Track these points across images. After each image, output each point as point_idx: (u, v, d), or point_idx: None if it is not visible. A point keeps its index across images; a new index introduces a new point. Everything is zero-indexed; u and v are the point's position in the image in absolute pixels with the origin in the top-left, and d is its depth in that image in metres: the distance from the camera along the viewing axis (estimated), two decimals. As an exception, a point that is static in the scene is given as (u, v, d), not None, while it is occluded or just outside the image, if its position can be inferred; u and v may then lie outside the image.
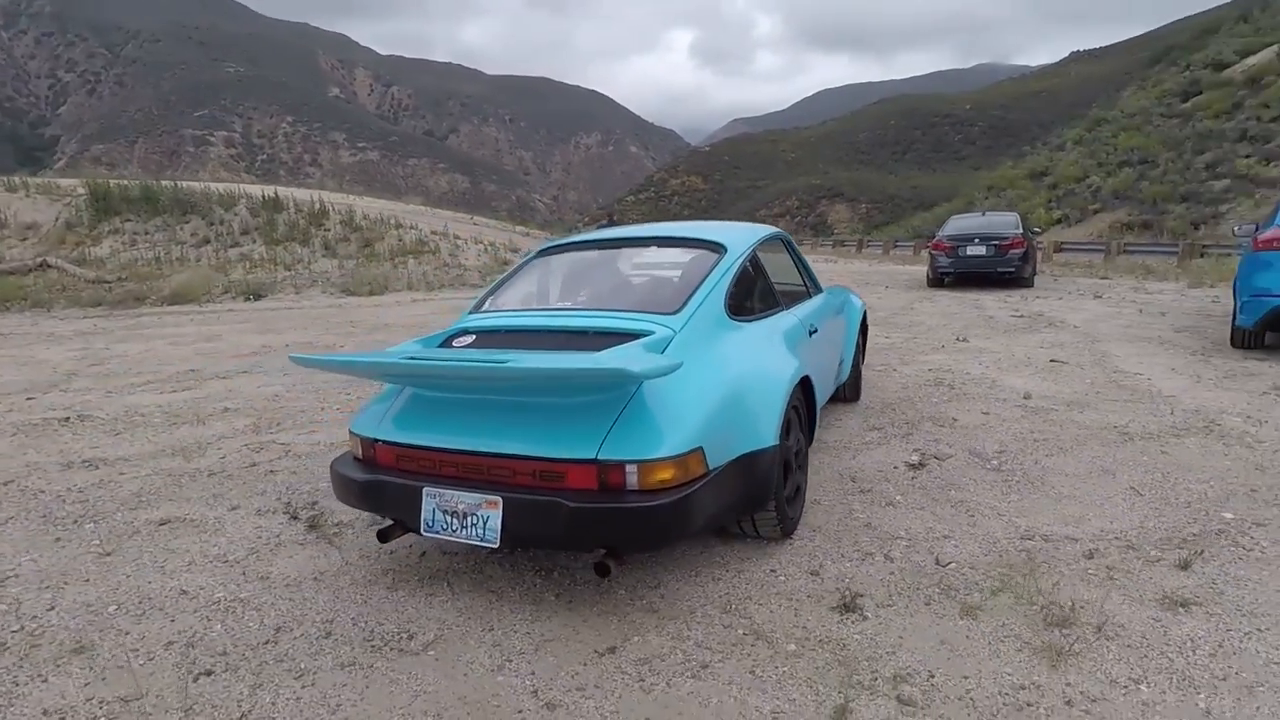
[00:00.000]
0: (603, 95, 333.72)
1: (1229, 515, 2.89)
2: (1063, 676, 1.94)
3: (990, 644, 2.10)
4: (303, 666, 2.14)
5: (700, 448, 2.21)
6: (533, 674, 2.06)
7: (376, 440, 2.50)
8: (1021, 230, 12.41)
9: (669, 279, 3.06)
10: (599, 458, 2.15)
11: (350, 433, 2.64)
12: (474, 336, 2.80)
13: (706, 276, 2.89)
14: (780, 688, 1.95)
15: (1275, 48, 32.58)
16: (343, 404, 5.28)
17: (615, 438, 2.18)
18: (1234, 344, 6.17)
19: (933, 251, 12.80)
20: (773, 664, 2.05)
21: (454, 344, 2.81)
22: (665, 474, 2.14)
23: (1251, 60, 33.01)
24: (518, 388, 2.35)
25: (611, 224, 14.53)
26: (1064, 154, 37.78)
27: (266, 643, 2.27)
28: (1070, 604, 2.25)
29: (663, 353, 2.45)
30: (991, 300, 10.68)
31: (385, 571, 2.73)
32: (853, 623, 2.24)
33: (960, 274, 12.33)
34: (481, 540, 2.23)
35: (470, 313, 3.07)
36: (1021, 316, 8.87)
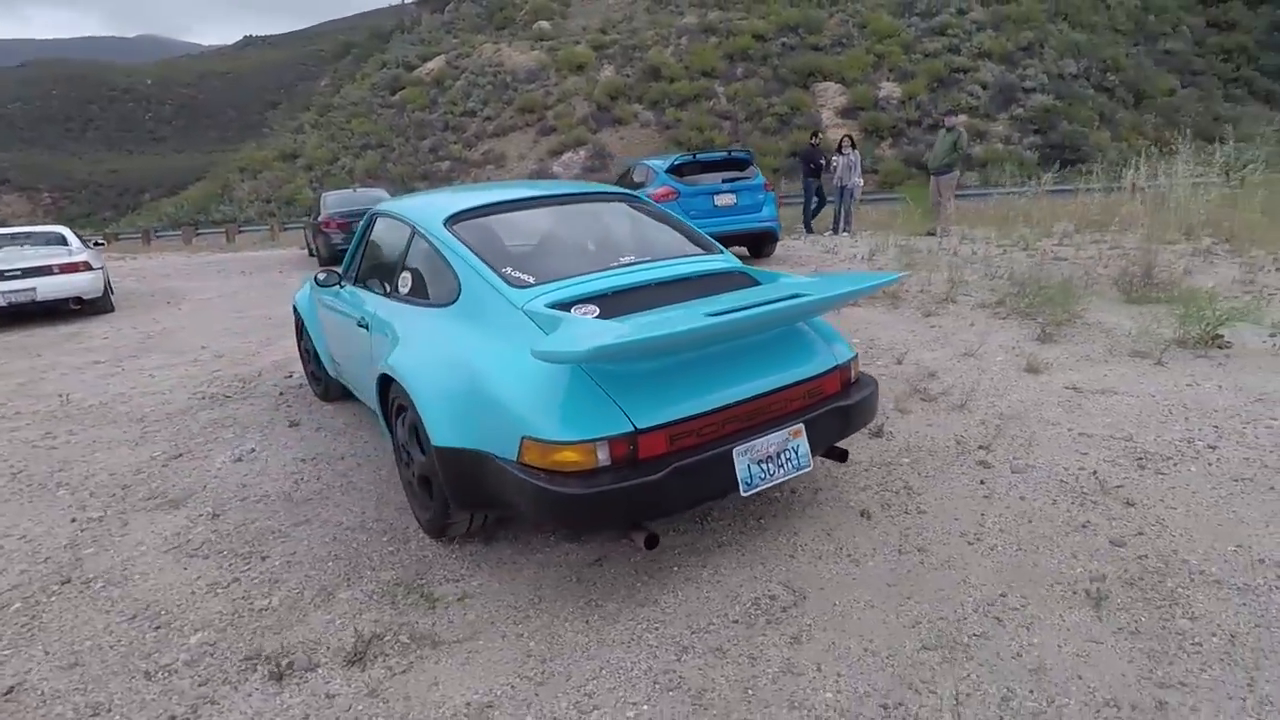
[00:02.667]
0: None
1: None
2: (984, 427, 3.53)
3: (951, 415, 3.52)
4: (756, 665, 1.91)
5: None
6: (893, 568, 2.41)
7: (638, 431, 2.08)
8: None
9: (659, 226, 3.14)
10: (839, 363, 2.54)
11: (572, 443, 2.03)
12: (594, 305, 2.41)
13: (685, 221, 3.20)
14: (945, 476, 2.92)
15: (443, 57, 41.61)
16: None
17: (833, 346, 2.59)
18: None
19: (324, 229, 12.66)
20: (921, 469, 2.97)
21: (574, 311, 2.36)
22: (858, 366, 2.70)
23: (431, 65, 41.29)
24: (768, 326, 2.37)
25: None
26: (306, 137, 39.66)
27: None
28: (956, 390, 3.86)
29: None
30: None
31: (586, 605, 2.26)
32: (896, 435, 3.30)
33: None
34: (798, 469, 2.32)
35: (518, 289, 2.47)
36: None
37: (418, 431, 2.54)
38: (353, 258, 3.66)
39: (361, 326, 3.15)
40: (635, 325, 2.13)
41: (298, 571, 2.56)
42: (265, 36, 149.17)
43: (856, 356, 2.65)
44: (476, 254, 2.65)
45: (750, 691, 1.84)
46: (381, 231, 3.42)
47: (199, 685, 2.03)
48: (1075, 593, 2.14)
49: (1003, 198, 15.59)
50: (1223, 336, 4.27)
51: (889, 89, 30.37)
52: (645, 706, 1.81)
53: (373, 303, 3.14)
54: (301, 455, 3.62)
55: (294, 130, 42.37)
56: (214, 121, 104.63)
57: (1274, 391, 3.52)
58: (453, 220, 2.86)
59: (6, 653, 2.23)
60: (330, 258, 12.66)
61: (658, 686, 1.88)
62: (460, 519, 2.53)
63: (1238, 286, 5.69)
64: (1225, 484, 2.69)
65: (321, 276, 3.60)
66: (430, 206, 3.05)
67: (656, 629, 2.11)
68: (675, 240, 3.03)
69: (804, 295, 2.28)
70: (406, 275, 2.97)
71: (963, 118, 28.51)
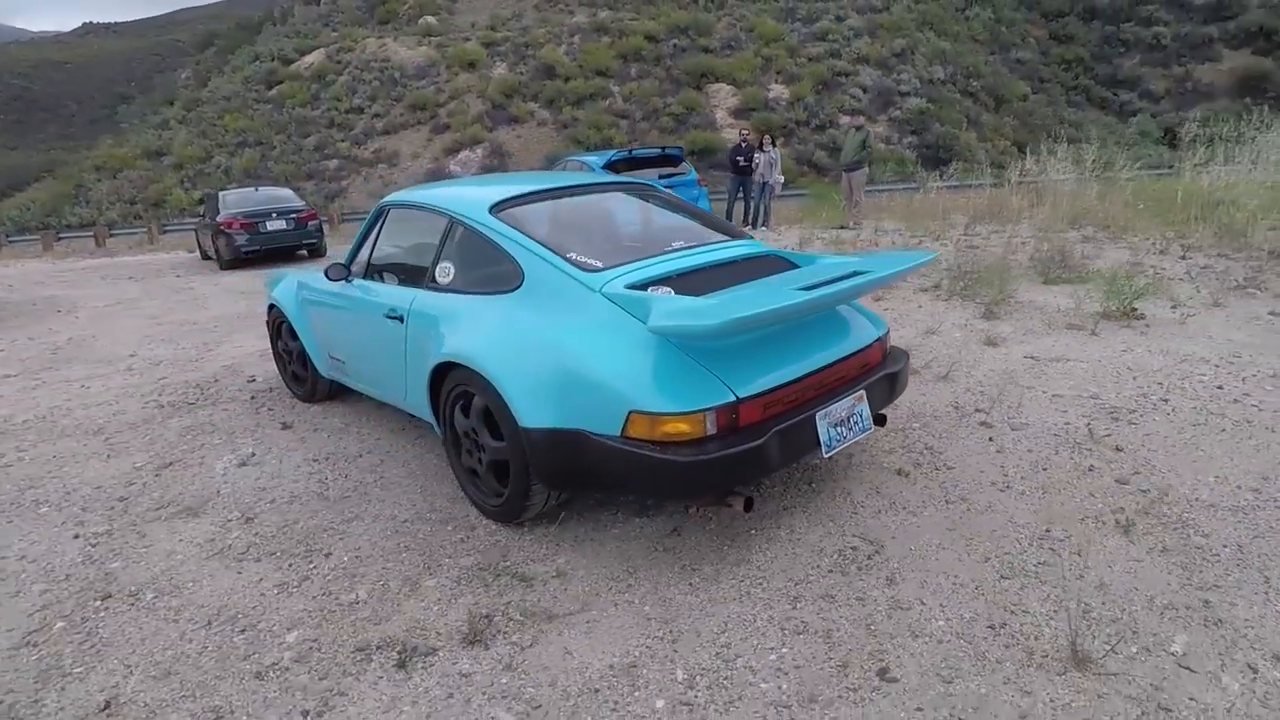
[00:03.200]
0: None
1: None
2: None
3: (939, 385, 3.86)
4: (866, 605, 2.11)
5: None
6: (946, 515, 2.67)
7: (740, 400, 2.21)
8: (306, 203, 12.92)
9: (685, 213, 3.26)
10: (879, 336, 2.78)
11: (683, 414, 2.14)
12: (668, 286, 2.51)
13: (698, 207, 3.36)
14: (956, 437, 3.23)
15: (323, 50, 39.57)
16: None
17: (871, 320, 2.82)
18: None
19: (226, 230, 11.87)
20: (933, 431, 3.28)
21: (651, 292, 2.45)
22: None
23: (310, 59, 39.15)
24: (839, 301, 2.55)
25: None
26: (172, 133, 36.61)
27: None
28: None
29: None
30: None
31: (683, 570, 2.38)
32: (899, 404, 3.60)
33: (268, 250, 11.99)
34: (863, 431, 2.53)
35: (590, 273, 2.53)
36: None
37: (490, 417, 2.56)
38: (359, 251, 3.56)
39: (392, 319, 3.10)
40: (743, 300, 2.26)
41: (372, 565, 2.52)
42: (109, 24, 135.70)
43: (888, 330, 2.90)
44: (536, 240, 2.69)
45: (871, 627, 2.03)
46: (403, 223, 3.37)
47: (319, 680, 1.99)
48: (1104, 523, 2.47)
49: (896, 193, 16.78)
50: (1137, 310, 4.89)
51: (778, 90, 31.73)
52: (784, 650, 1.96)
53: (404, 294, 3.09)
54: (312, 456, 3.49)
55: (157, 126, 38.98)
56: (52, 116, 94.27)
57: (1193, 353, 4.10)
58: (496, 209, 2.88)
59: (78, 670, 2.09)
60: (233, 260, 11.90)
61: (785, 631, 2.03)
62: (537, 502, 2.57)
63: (1130, 267, 6.49)
64: (1186, 429, 3.15)
65: (333, 271, 3.48)
66: (466, 196, 3.04)
67: (760, 584, 2.26)
68: (707, 227, 3.18)
69: (868, 272, 2.49)
70: (448, 265, 2.96)
71: (847, 119, 30.43)
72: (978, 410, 3.48)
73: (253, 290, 9.16)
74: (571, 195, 3.19)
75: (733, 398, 2.21)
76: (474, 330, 2.65)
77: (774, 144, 11.80)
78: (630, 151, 9.39)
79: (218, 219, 12.10)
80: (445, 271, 2.97)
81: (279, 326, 4.33)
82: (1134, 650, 1.88)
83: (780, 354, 2.42)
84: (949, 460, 3.00)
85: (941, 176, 13.90)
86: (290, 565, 2.56)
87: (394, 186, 31.36)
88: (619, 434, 2.22)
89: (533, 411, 2.37)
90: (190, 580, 2.51)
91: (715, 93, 32.32)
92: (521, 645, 2.07)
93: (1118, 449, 3.00)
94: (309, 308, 3.93)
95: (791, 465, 2.82)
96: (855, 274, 2.48)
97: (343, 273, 3.49)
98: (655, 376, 2.23)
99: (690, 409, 2.16)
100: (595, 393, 2.26)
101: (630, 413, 2.19)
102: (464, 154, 32.19)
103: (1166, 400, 3.46)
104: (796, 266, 2.89)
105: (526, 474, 2.48)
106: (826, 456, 2.41)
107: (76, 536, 2.89)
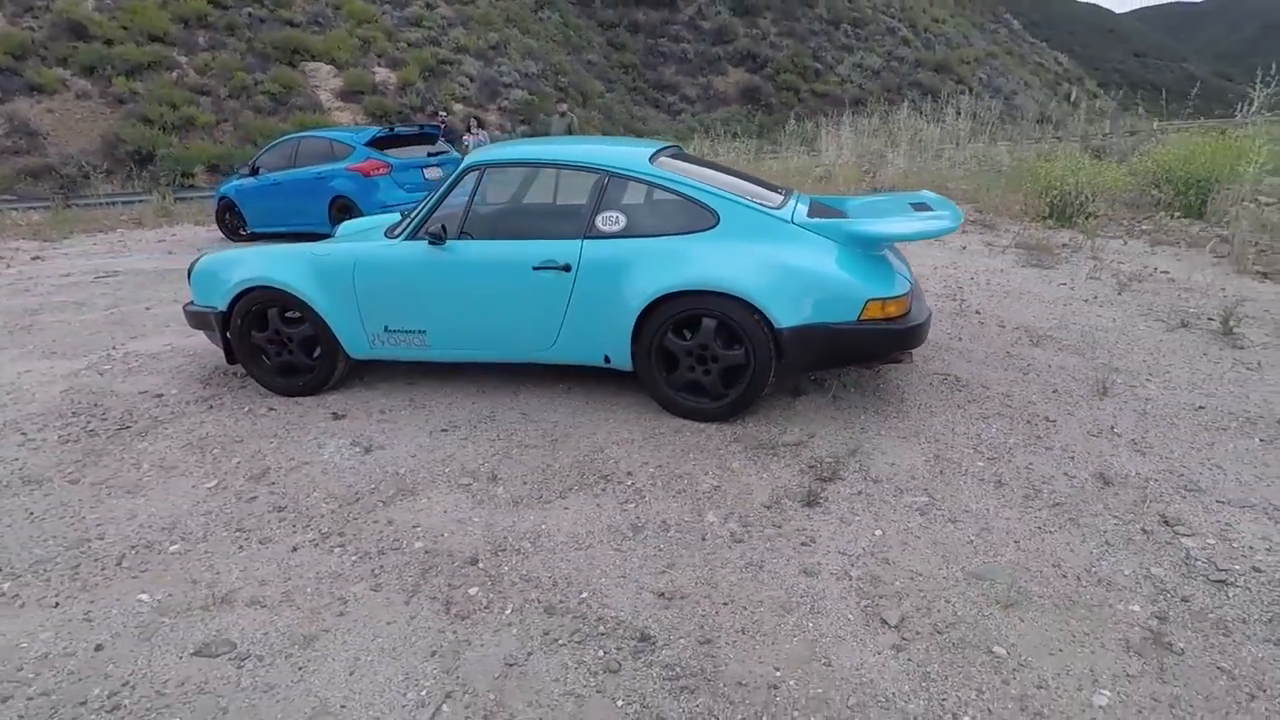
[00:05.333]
0: None
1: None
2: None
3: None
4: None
5: None
6: (957, 352, 4.11)
7: (913, 285, 3.29)
8: None
9: (735, 172, 3.99)
10: (897, 249, 4.09)
11: (900, 296, 3.11)
12: (816, 213, 3.39)
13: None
14: (897, 319, 4.78)
15: None
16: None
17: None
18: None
19: None
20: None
21: (823, 216, 3.33)
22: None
23: None
24: None
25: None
26: None
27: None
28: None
29: None
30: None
31: (885, 412, 3.40)
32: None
33: None
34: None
35: (778, 210, 3.26)
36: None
37: (724, 332, 3.15)
38: (435, 213, 3.49)
39: (547, 270, 3.28)
40: (917, 218, 3.31)
41: (681, 469, 2.92)
42: None
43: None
44: (714, 186, 3.30)
45: (1010, 400, 3.35)
46: (512, 181, 3.47)
47: (777, 527, 2.52)
48: (1024, 343, 4.21)
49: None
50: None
51: (384, 75, 30.79)
52: (1018, 437, 3.16)
53: (561, 246, 3.29)
54: (439, 427, 3.40)
55: None
56: None
57: (937, 264, 6.37)
58: (654, 160, 3.37)
59: (651, 576, 2.21)
60: None
61: (1000, 417, 3.23)
62: (762, 393, 3.25)
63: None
64: (993, 298, 5.19)
65: (436, 233, 3.36)
66: (612, 152, 3.40)
67: (947, 399, 3.40)
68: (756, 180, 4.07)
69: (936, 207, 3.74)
70: (612, 214, 3.30)
71: (460, 106, 31.14)
72: (886, 306, 5.07)
73: None
74: (669, 154, 3.75)
75: (911, 284, 3.28)
76: (698, 263, 3.15)
77: (480, 125, 12.21)
78: (393, 129, 8.92)
79: None
80: (611, 220, 3.31)
81: (259, 314, 3.76)
82: (1121, 386, 3.57)
83: (900, 259, 3.55)
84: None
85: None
86: (606, 490, 2.80)
87: None
88: (855, 319, 3.11)
89: (785, 316, 3.08)
90: (535, 527, 2.59)
91: (314, 72, 29.85)
92: (861, 470, 2.87)
93: (977, 311, 4.87)
94: (349, 281, 3.59)
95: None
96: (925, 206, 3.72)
97: (442, 235, 3.41)
98: (875, 274, 3.16)
99: (902, 292, 3.17)
100: (835, 293, 3.10)
101: (868, 300, 3.10)
102: (-40, 133, 23.95)
103: (962, 287, 5.53)
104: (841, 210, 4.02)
105: (767, 370, 3.17)
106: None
107: (295, 549, 2.55)
